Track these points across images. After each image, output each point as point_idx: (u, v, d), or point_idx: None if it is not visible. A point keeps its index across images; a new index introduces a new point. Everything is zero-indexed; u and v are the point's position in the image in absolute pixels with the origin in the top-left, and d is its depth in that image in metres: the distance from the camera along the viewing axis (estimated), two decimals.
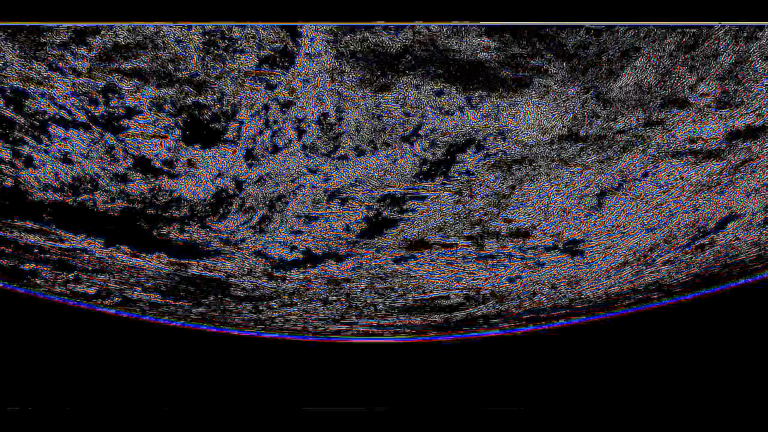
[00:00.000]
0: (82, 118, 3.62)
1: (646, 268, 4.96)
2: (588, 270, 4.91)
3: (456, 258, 4.70)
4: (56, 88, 3.50)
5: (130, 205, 4.13)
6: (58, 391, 5.52)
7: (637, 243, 4.72)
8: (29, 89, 3.52)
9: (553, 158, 4.05)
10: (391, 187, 4.13)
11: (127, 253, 4.50)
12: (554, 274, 4.92)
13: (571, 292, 5.13)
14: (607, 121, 3.75)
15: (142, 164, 3.89)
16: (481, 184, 4.12)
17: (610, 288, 5.12)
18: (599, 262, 4.84)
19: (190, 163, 3.86)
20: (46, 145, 3.78)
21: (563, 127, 3.80)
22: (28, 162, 3.86)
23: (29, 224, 4.28)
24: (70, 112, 3.60)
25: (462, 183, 4.14)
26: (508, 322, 5.44)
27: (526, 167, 4.11)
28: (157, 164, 3.88)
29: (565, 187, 4.25)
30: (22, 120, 3.63)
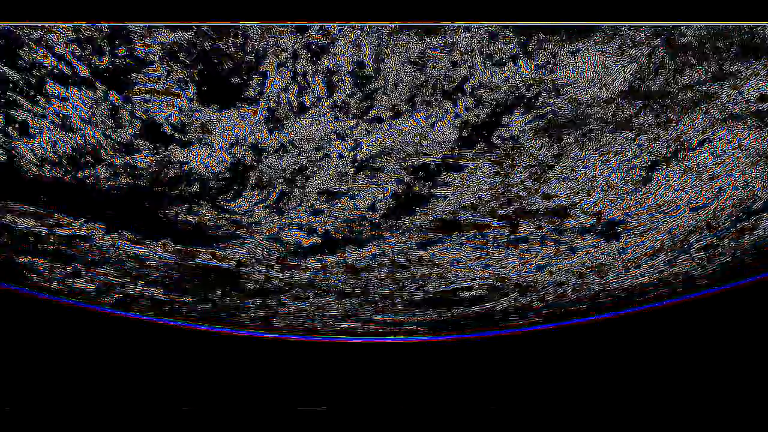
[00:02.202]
0: (84, 72, 3.20)
1: (681, 256, 4.70)
2: (620, 257, 4.64)
3: (486, 242, 4.41)
4: (55, 32, 3.06)
5: (135, 182, 3.73)
6: (58, 391, 5.26)
7: (678, 225, 4.44)
8: (22, 34, 3.08)
9: (607, 120, 3.69)
10: (426, 155, 3.75)
11: (129, 240, 4.16)
12: (585, 262, 4.67)
13: (598, 283, 4.88)
14: (673, 74, 3.38)
15: (151, 130, 3.47)
16: (524, 153, 3.75)
17: (639, 278, 4.88)
18: (634, 247, 4.57)
19: (204, 129, 3.45)
20: (43, 108, 3.34)
21: (624, 80, 3.43)
22: (23, 130, 3.43)
23: (24, 207, 3.89)
24: (70, 64, 3.17)
25: (504, 151, 3.77)
26: (525, 318, 5.22)
27: (575, 131, 3.73)
28: (167, 129, 3.46)
29: (615, 156, 3.91)
30: (16, 76, 3.19)
